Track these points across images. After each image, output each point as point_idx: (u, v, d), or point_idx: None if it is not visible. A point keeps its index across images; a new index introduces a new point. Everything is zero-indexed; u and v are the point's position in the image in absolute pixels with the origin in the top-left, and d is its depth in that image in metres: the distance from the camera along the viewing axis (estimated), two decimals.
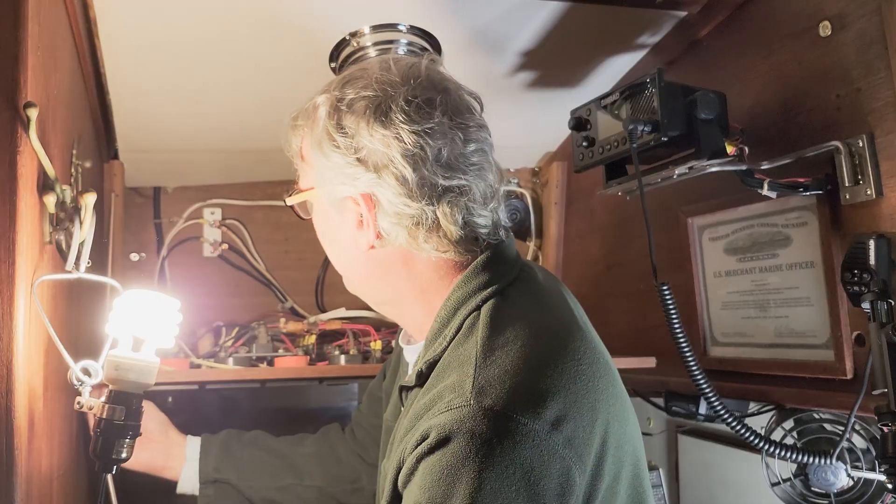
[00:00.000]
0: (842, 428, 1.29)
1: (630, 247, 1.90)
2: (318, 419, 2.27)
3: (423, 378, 0.97)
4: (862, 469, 1.31)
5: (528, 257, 2.28)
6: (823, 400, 1.31)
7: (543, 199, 2.31)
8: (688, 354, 1.24)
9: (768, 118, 1.37)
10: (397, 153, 0.94)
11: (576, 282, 2.07)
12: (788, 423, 1.44)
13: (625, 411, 0.97)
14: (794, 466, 1.41)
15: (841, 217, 1.25)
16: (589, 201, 2.12)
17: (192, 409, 2.13)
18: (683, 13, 1.53)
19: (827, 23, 1.24)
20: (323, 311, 2.18)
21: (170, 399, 1.98)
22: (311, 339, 2.00)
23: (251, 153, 2.00)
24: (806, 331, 1.35)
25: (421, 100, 0.96)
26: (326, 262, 2.24)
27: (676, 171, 1.34)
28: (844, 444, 1.28)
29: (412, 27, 1.49)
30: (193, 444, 1.46)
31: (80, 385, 1.10)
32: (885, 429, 1.10)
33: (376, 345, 2.00)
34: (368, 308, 2.25)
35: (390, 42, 1.50)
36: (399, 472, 0.89)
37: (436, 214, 0.96)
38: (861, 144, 1.18)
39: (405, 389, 1.03)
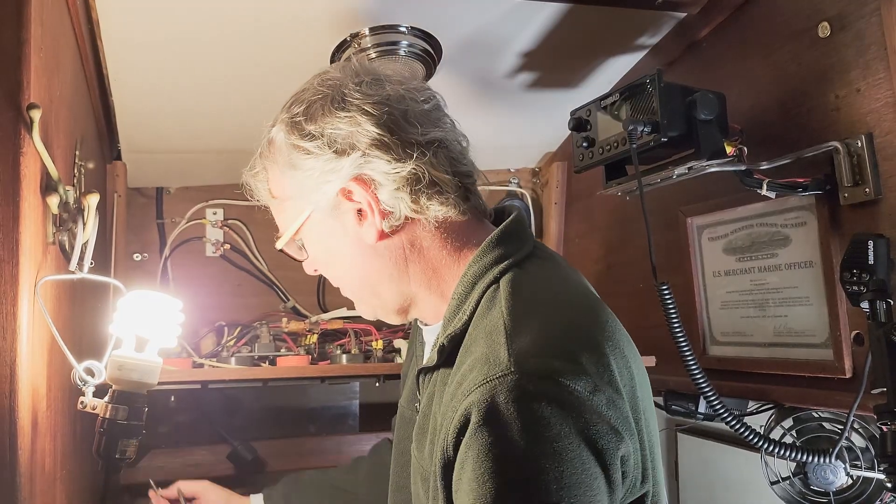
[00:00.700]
0: (841, 427, 1.30)
1: (630, 247, 1.90)
2: (319, 418, 2.28)
3: (445, 356, 0.95)
4: (861, 468, 1.32)
5: None
6: (822, 399, 1.32)
7: (543, 200, 2.31)
8: (687, 354, 1.25)
9: (767, 118, 1.38)
10: (369, 125, 0.94)
11: None
12: (787, 422, 1.44)
13: (647, 384, 0.96)
14: (793, 465, 1.42)
15: (840, 217, 1.26)
16: (589, 201, 2.12)
17: (194, 408, 2.14)
18: (683, 14, 1.54)
19: (826, 23, 1.25)
20: (325, 310, 2.19)
21: (172, 398, 1.99)
22: (313, 339, 2.01)
23: (253, 153, 2.00)
24: (805, 330, 1.36)
25: (368, 78, 0.98)
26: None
27: (676, 172, 1.35)
28: (843, 442, 1.28)
29: (412, 28, 1.49)
30: (257, 500, 1.50)
31: (84, 385, 1.11)
32: (884, 428, 1.10)
33: (378, 344, 2.01)
34: None
35: (391, 43, 1.50)
36: (445, 466, 0.85)
37: (427, 169, 0.95)
38: (860, 145, 1.18)
39: (424, 372, 1.01)
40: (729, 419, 1.27)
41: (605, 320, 0.92)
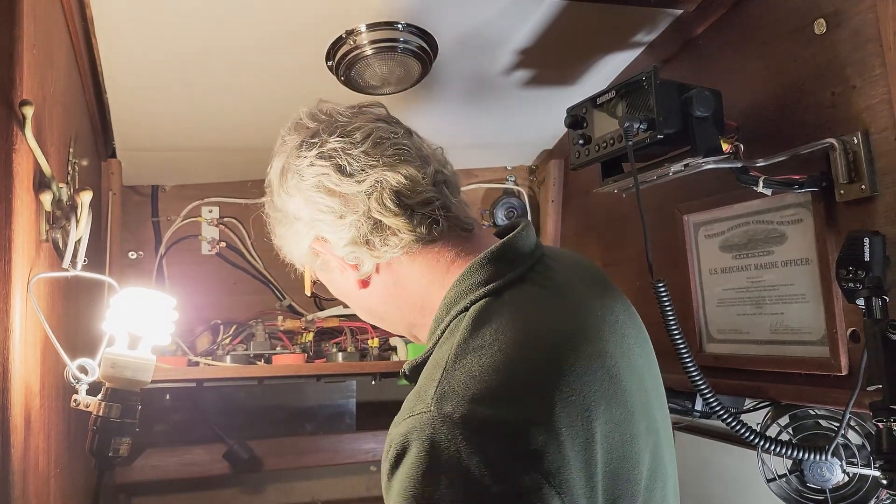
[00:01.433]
0: (837, 424, 1.30)
1: (626, 244, 1.90)
2: (316, 417, 2.28)
3: (411, 381, 0.95)
4: (857, 465, 1.32)
5: None
6: (819, 396, 1.31)
7: (540, 197, 2.31)
8: (684, 351, 1.24)
9: (763, 115, 1.38)
10: (310, 191, 1.00)
11: None
12: (784, 420, 1.44)
13: (633, 429, 0.87)
14: (789, 462, 1.42)
15: (836, 214, 1.25)
16: (585, 199, 2.12)
17: (189, 406, 2.14)
18: (679, 11, 1.53)
19: (822, 20, 1.25)
20: (321, 308, 2.19)
21: (168, 397, 1.99)
22: (309, 337, 2.01)
23: (249, 151, 2.00)
24: (801, 327, 1.36)
25: (308, 136, 1.03)
26: None
27: (672, 169, 1.35)
28: (839, 440, 1.28)
29: (409, 25, 1.49)
30: None
31: (77, 383, 1.11)
32: (880, 425, 1.10)
33: (373, 342, 2.01)
34: None
35: (387, 40, 1.50)
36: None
37: (369, 217, 0.97)
38: (856, 142, 1.18)
39: None
40: (725, 417, 1.27)
41: (567, 365, 0.84)
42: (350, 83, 1.60)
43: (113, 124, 1.75)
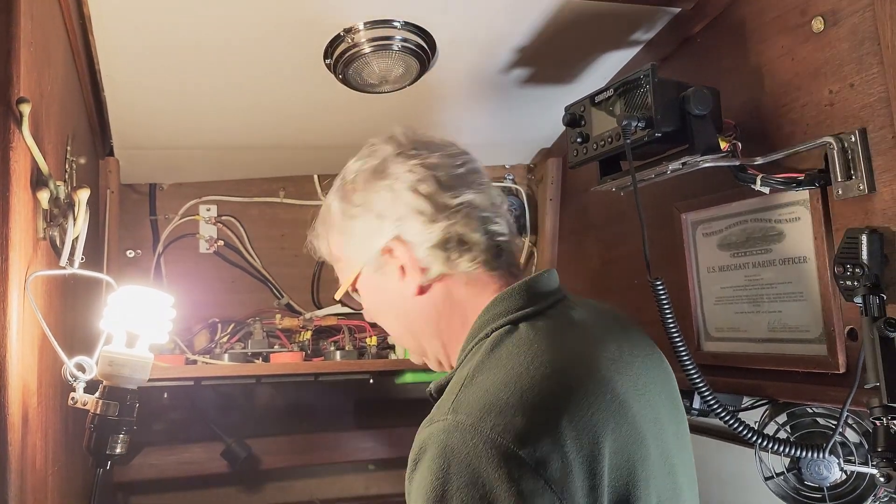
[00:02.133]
0: (834, 422, 1.30)
1: (624, 242, 1.90)
2: (313, 415, 2.28)
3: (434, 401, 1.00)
4: (855, 463, 1.32)
5: (524, 254, 2.29)
6: (816, 394, 1.31)
7: (538, 196, 2.31)
8: (681, 349, 1.24)
9: (761, 114, 1.38)
10: (405, 191, 1.06)
11: (571, 278, 2.08)
12: (782, 418, 1.44)
13: (643, 453, 0.91)
14: (787, 460, 1.42)
15: (833, 212, 1.25)
16: (583, 197, 2.12)
17: (187, 404, 2.13)
18: (677, 9, 1.53)
19: (820, 18, 1.25)
20: (318, 307, 2.19)
21: (165, 395, 1.99)
22: (307, 336, 2.01)
23: (247, 150, 2.00)
24: (799, 325, 1.36)
25: (407, 148, 1.09)
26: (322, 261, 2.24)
27: (670, 167, 1.35)
28: (837, 438, 1.28)
29: (406, 23, 1.49)
30: None
31: (75, 381, 1.10)
32: (878, 423, 1.11)
33: (371, 341, 2.01)
34: None
35: (385, 38, 1.50)
36: None
37: (457, 229, 1.05)
38: (853, 140, 1.18)
39: None
40: (723, 415, 1.27)
41: (575, 384, 0.89)
42: (348, 81, 1.60)
43: (111, 122, 1.75)
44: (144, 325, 1.17)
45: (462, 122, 1.94)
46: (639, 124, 1.27)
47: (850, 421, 1.32)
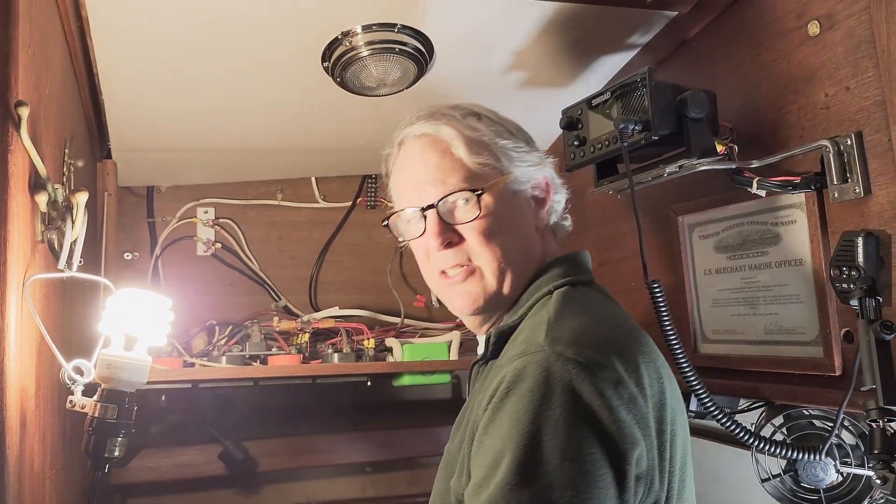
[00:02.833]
0: (831, 424, 1.30)
1: (621, 245, 1.90)
2: (311, 417, 2.27)
3: (491, 348, 1.06)
4: (851, 465, 1.32)
5: None
6: (812, 396, 1.32)
7: None
8: (678, 352, 1.25)
9: (758, 117, 1.38)
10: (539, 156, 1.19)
11: None
12: (778, 420, 1.45)
13: (682, 412, 1.03)
14: (783, 462, 1.42)
15: (829, 215, 1.26)
16: (580, 200, 2.12)
17: (185, 407, 2.13)
18: (674, 13, 1.54)
19: (816, 22, 1.25)
20: (316, 309, 2.19)
21: (163, 397, 1.99)
22: (305, 338, 2.01)
23: (244, 152, 2.00)
24: (795, 328, 1.36)
25: (467, 115, 1.21)
26: (320, 261, 2.25)
27: (667, 170, 1.35)
28: (833, 440, 1.28)
29: (404, 27, 1.49)
30: None
31: (73, 384, 1.10)
32: (874, 425, 1.11)
33: (369, 343, 2.01)
34: (362, 306, 2.26)
35: (383, 42, 1.50)
36: (473, 435, 0.94)
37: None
38: (849, 143, 1.18)
39: (475, 365, 1.13)
40: (720, 417, 1.27)
41: (643, 341, 1.00)
42: (345, 84, 1.61)
43: (108, 125, 1.75)
44: (143, 327, 1.17)
45: None
46: (636, 127, 1.27)
47: (846, 423, 1.33)
